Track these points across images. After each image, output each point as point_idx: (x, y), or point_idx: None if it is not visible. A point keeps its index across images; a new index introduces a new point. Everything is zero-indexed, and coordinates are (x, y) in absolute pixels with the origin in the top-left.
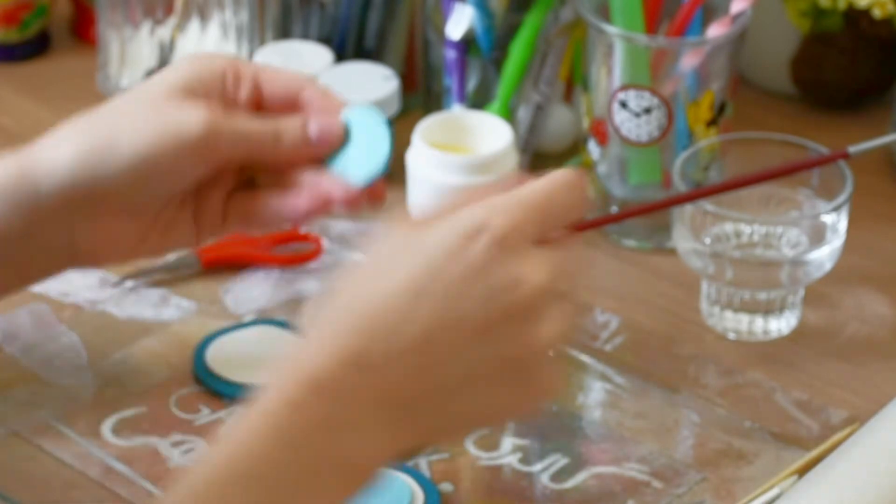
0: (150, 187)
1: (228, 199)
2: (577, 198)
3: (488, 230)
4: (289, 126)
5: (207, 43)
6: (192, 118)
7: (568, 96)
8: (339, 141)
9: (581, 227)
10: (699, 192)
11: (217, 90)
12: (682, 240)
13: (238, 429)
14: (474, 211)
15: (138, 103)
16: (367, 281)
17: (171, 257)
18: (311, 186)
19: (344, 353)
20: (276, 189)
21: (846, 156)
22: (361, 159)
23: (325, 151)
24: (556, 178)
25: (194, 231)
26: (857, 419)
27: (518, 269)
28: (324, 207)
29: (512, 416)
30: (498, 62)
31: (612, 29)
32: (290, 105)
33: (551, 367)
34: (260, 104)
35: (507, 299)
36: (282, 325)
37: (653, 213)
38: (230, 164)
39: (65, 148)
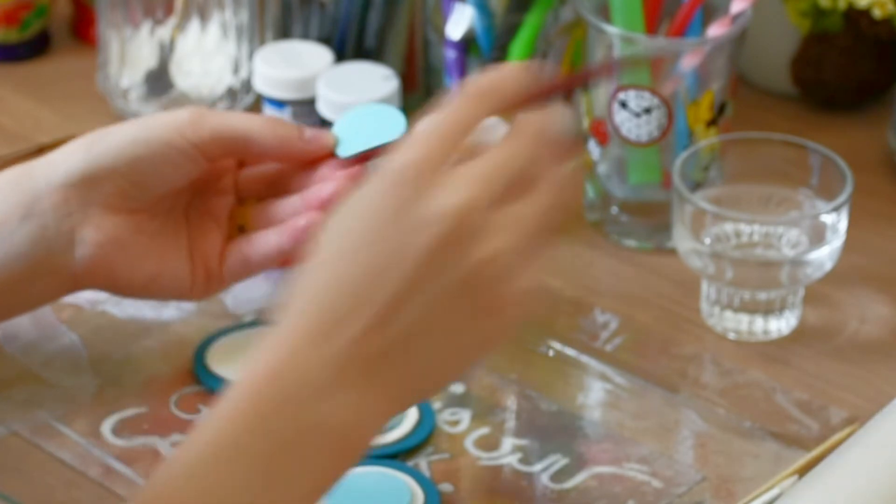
0: (144, 177)
1: (225, 247)
2: (483, 104)
3: (388, 173)
4: (284, 122)
5: (207, 43)
6: (178, 111)
7: (568, 96)
8: (331, 147)
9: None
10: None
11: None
12: (682, 240)
13: (212, 416)
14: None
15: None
16: (312, 256)
17: None
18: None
19: (297, 333)
20: (271, 229)
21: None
22: (373, 138)
23: (316, 153)
24: (459, 97)
25: (189, 268)
26: (857, 419)
27: (434, 199)
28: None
29: (484, 346)
30: (498, 62)
31: (612, 29)
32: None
33: (510, 284)
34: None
35: (433, 230)
36: None
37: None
38: (221, 161)
39: (62, 152)
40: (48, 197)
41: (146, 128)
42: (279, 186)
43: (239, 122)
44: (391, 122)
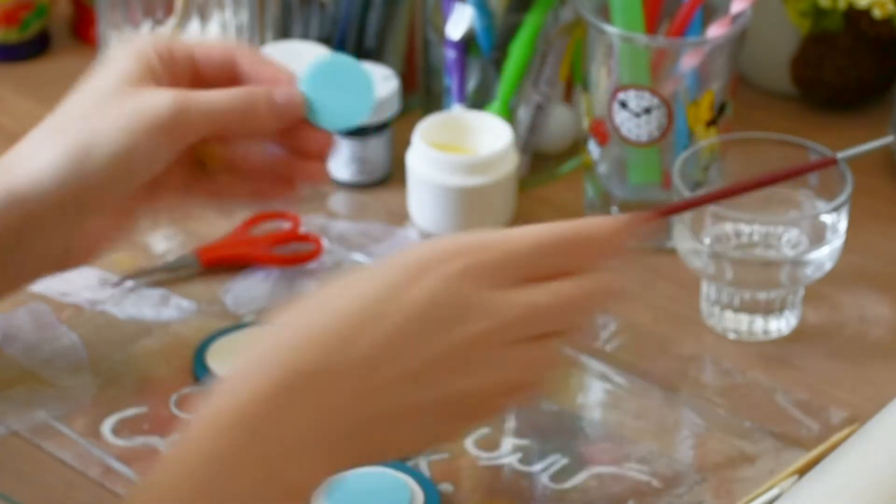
0: (132, 177)
1: (188, 184)
2: (534, 238)
3: (438, 269)
4: (259, 95)
5: None
6: (159, 101)
7: (568, 96)
8: (301, 110)
9: (654, 215)
10: (694, 202)
11: (162, 74)
12: (682, 240)
13: (178, 452)
14: (430, 249)
15: (102, 101)
16: (315, 304)
17: (170, 257)
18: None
19: (281, 372)
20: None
21: (834, 162)
22: (346, 106)
23: (289, 120)
24: (527, 230)
25: (154, 218)
26: (857, 419)
27: (465, 312)
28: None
29: (443, 442)
30: (498, 62)
31: (612, 29)
32: (228, 76)
33: (495, 405)
34: (198, 80)
35: (450, 340)
36: None
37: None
38: (200, 139)
39: (43, 157)
40: (41, 215)
41: (132, 132)
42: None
43: (222, 103)
44: (358, 80)
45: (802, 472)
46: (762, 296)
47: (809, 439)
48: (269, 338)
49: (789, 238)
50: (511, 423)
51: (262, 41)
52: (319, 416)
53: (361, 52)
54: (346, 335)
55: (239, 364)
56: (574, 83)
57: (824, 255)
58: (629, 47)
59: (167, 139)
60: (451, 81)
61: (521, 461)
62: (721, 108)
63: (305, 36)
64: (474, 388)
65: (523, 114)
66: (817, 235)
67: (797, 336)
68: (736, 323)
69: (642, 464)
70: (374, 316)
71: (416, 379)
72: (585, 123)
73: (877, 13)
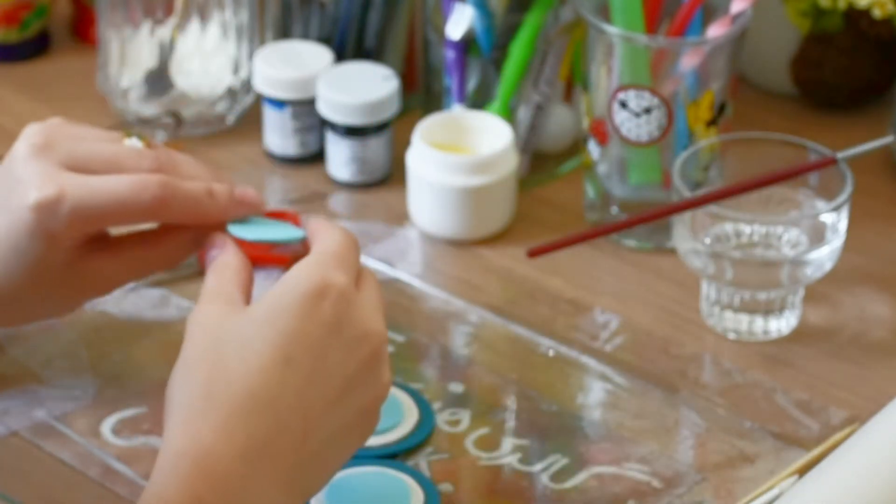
0: (21, 298)
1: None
2: (351, 237)
3: (333, 287)
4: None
5: (207, 43)
6: (21, 213)
7: (568, 96)
8: (259, 205)
9: (593, 234)
10: (693, 202)
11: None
12: (682, 240)
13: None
14: (308, 270)
15: None
16: (232, 362)
17: None
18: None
19: (232, 445)
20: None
21: (834, 162)
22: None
23: (240, 213)
24: (330, 227)
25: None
26: (857, 419)
27: (362, 321)
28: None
29: (356, 448)
30: (498, 62)
31: (612, 29)
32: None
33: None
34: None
35: (362, 352)
36: None
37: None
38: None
39: None
40: None
41: (5, 263)
42: None
43: (99, 209)
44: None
45: (802, 472)
46: (762, 296)
47: (809, 439)
48: (207, 405)
49: (789, 238)
50: (511, 423)
51: (263, 41)
52: (274, 475)
53: (361, 52)
54: (277, 384)
55: (186, 432)
56: (574, 83)
57: (824, 255)
58: (629, 47)
59: (49, 256)
60: (451, 81)
61: (521, 461)
62: (721, 108)
63: (305, 36)
64: (378, 393)
65: (523, 114)
66: (817, 235)
67: (797, 336)
68: (736, 323)
69: (642, 464)
70: (294, 357)
71: (339, 399)
72: (585, 123)
73: (877, 13)
